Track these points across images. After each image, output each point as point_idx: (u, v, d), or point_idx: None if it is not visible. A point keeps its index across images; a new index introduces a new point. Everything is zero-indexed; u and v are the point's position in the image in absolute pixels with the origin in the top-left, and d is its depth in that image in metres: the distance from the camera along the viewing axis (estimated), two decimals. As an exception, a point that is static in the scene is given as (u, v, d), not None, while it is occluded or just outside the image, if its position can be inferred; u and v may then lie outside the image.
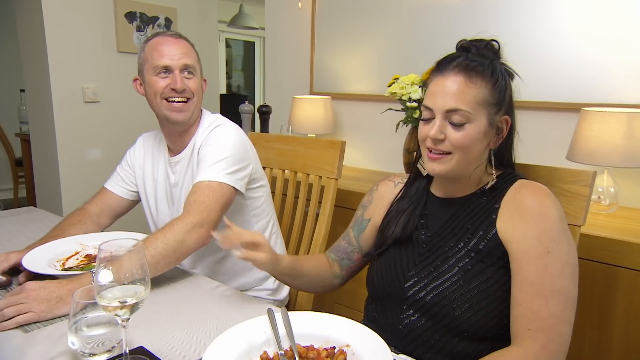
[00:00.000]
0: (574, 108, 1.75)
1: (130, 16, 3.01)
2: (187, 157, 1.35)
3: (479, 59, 0.92)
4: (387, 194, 1.12)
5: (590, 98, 1.76)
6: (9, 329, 0.86)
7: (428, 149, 0.95)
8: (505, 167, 1.00)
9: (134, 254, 0.72)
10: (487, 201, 0.95)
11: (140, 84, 1.33)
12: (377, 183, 1.18)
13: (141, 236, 1.24)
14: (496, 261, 0.90)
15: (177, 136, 1.36)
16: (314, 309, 1.22)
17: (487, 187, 0.96)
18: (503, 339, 0.88)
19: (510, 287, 0.88)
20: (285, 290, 1.52)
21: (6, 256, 1.10)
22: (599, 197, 1.67)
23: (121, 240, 0.73)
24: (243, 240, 0.93)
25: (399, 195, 1.09)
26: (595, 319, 1.43)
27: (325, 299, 1.15)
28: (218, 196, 1.19)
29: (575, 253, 0.88)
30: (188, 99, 1.29)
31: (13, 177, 4.22)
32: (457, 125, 0.90)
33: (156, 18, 3.15)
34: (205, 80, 1.39)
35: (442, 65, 0.93)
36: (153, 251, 1.05)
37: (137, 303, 0.72)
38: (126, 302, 0.71)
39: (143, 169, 1.44)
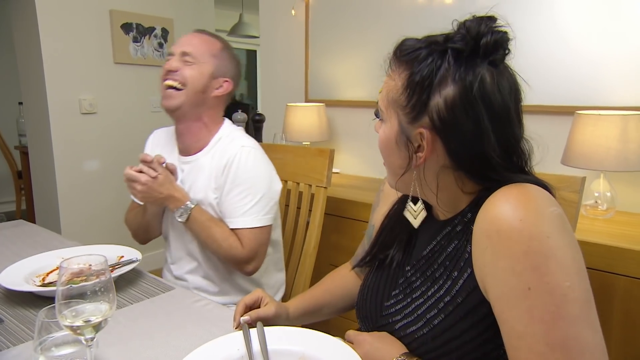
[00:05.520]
0: (568, 111, 1.72)
1: (126, 27, 3.02)
2: (197, 161, 1.32)
3: (418, 44, 0.71)
4: (392, 192, 0.99)
5: (585, 101, 1.73)
6: None
7: None
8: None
9: (98, 271, 0.70)
10: (462, 230, 0.73)
11: None
12: (383, 182, 1.10)
13: (135, 253, 1.22)
14: (482, 319, 0.67)
15: (186, 134, 1.32)
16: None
17: (464, 209, 0.74)
18: None
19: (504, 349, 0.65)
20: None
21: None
22: (596, 202, 1.63)
23: (84, 257, 0.71)
24: (245, 304, 0.93)
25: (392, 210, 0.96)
26: (592, 328, 1.39)
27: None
28: (265, 239, 1.29)
29: (577, 275, 0.61)
30: (182, 85, 1.24)
31: (15, 189, 4.24)
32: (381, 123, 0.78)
33: (152, 29, 3.16)
34: (227, 80, 1.32)
35: None
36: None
37: (100, 322, 0.70)
38: (90, 320, 0.69)
39: None
